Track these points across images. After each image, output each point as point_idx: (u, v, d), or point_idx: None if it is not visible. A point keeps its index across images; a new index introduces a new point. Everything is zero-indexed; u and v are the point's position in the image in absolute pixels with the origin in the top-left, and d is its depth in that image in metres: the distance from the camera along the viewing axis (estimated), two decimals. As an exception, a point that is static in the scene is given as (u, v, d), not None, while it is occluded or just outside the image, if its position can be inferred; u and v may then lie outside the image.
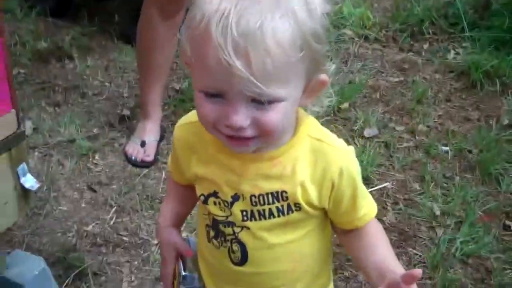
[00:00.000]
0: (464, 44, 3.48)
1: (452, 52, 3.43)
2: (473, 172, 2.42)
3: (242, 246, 1.01)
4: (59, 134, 2.50)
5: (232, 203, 0.98)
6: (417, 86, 2.98)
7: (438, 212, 2.17)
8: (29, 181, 1.49)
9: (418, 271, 0.86)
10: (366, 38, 3.55)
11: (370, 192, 2.14)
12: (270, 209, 0.97)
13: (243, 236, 1.00)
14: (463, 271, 1.93)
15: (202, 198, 1.02)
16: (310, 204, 0.98)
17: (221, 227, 1.01)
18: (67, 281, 1.77)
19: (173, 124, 2.50)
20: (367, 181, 2.30)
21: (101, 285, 1.79)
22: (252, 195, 0.96)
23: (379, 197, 2.26)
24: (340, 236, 1.07)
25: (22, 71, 2.97)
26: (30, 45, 3.20)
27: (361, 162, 2.28)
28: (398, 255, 1.96)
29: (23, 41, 3.24)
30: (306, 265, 1.06)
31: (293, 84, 0.88)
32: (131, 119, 2.62)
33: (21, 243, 1.92)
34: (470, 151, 2.54)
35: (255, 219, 0.98)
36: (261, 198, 0.96)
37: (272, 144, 0.95)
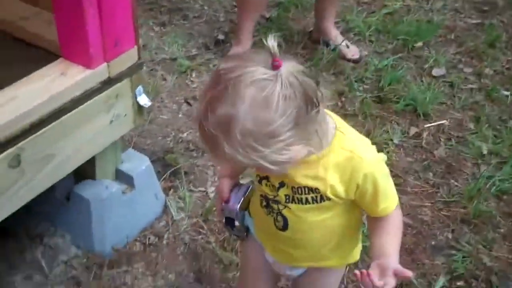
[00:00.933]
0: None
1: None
2: (527, 117, 2.64)
3: (285, 219, 1.27)
4: (164, 51, 2.91)
5: (278, 188, 1.24)
6: (492, 30, 3.14)
7: (485, 151, 2.44)
8: (143, 100, 1.89)
9: (408, 274, 1.14)
10: (454, -24, 3.66)
11: (428, 127, 2.45)
12: (306, 198, 1.21)
13: (286, 212, 1.25)
14: (496, 205, 2.23)
15: (257, 178, 1.28)
16: (339, 197, 1.20)
17: (270, 202, 1.29)
18: (164, 176, 2.22)
19: (261, 50, 2.86)
20: (425, 117, 2.59)
21: (190, 182, 2.23)
22: (293, 186, 1.22)
23: (435, 132, 2.54)
24: (366, 215, 1.32)
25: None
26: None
27: (424, 99, 2.58)
28: (440, 185, 2.29)
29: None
30: (337, 235, 1.31)
31: None
32: (225, 42, 2.97)
33: (130, 142, 2.38)
34: (530, 98, 2.74)
35: (295, 203, 1.23)
36: (299, 189, 1.22)
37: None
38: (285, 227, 1.29)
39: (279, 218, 1.29)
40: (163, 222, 2.09)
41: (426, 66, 2.89)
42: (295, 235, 1.30)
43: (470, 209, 2.18)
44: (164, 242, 2.02)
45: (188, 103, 2.61)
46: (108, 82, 1.75)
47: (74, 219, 1.97)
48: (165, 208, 2.13)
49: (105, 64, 1.72)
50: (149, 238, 2.03)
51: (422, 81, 2.79)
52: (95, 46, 1.67)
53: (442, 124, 2.58)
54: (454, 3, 3.41)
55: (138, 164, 2.03)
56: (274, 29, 3.06)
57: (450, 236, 2.10)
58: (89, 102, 1.71)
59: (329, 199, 1.20)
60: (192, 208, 2.13)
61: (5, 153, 1.52)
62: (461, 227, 2.13)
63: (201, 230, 2.06)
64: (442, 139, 2.51)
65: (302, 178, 1.19)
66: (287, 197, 1.23)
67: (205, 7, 3.28)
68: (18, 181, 1.58)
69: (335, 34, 2.95)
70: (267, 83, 0.99)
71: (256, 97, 0.99)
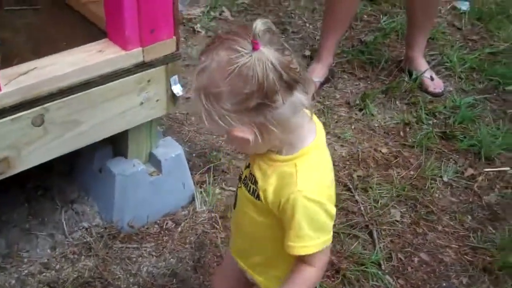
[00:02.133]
0: None
1: None
2: None
3: (236, 197, 1.37)
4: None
5: (246, 167, 1.30)
6: None
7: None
8: (177, 89, 2.03)
9: None
10: None
11: (487, 171, 2.34)
12: (250, 187, 1.26)
13: (239, 191, 1.33)
14: (530, 262, 2.05)
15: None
16: (266, 202, 1.21)
17: (239, 176, 1.36)
18: (200, 170, 2.34)
19: (344, 72, 2.89)
20: (488, 161, 2.45)
21: (224, 180, 2.32)
22: (251, 171, 1.27)
23: (494, 178, 2.40)
24: None
25: (245, 1, 3.53)
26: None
27: (491, 142, 2.44)
28: (475, 230, 2.16)
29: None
30: (262, 245, 1.32)
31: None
32: (310, 58, 3.03)
33: (186, 136, 2.53)
34: None
35: (245, 186, 1.28)
36: (251, 175, 1.25)
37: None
38: (235, 205, 1.38)
39: (236, 193, 1.37)
40: (186, 212, 2.21)
41: (510, 111, 2.72)
42: (237, 217, 1.38)
43: (497, 259, 2.03)
44: (179, 229, 2.14)
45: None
46: (141, 66, 1.91)
47: (102, 191, 2.15)
48: (192, 199, 2.24)
49: (140, 48, 1.88)
50: (167, 223, 2.16)
51: (499, 124, 2.63)
52: (131, 30, 1.84)
53: (503, 171, 2.42)
54: None
55: (169, 151, 2.17)
56: (365, 52, 3.06)
57: (464, 281, 1.98)
58: (119, 80, 1.87)
59: (260, 199, 1.23)
60: (216, 204, 2.22)
61: (30, 111, 1.74)
62: (480, 276, 1.99)
63: (215, 225, 2.15)
64: (497, 186, 2.36)
65: (257, 166, 1.24)
66: (245, 178, 1.30)
67: (307, 24, 3.37)
68: (41, 138, 1.79)
69: (421, 64, 2.89)
70: (238, 55, 1.06)
71: (222, 60, 1.08)
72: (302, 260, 1.24)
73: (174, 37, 1.97)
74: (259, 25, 1.06)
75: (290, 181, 1.18)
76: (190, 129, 2.57)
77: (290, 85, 1.10)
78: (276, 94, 1.09)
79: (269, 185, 1.21)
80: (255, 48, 1.06)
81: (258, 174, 1.23)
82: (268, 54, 1.06)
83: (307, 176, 1.19)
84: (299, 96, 1.12)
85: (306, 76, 1.15)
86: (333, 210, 1.22)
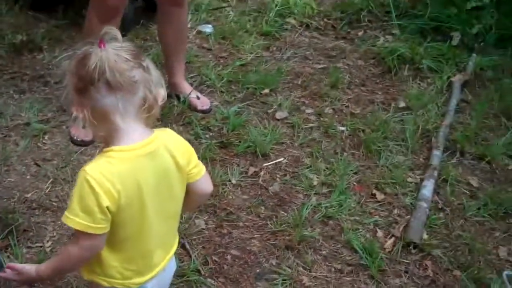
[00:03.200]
0: (393, 32, 3.86)
1: (382, 39, 3.82)
2: (359, 148, 2.86)
3: None
4: (20, 118, 3.00)
5: None
6: (336, 72, 3.40)
7: (315, 183, 2.62)
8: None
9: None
10: (308, 27, 3.96)
11: (266, 166, 2.62)
12: None
13: None
14: (320, 230, 2.39)
15: None
16: None
17: None
18: (1, 236, 2.28)
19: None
20: (265, 157, 2.76)
21: (28, 239, 2.30)
22: None
23: (273, 170, 2.72)
24: None
25: (-3, 62, 3.47)
26: (8, 38, 3.67)
27: (263, 140, 2.76)
28: (269, 217, 2.45)
29: (2, 34, 3.71)
30: None
31: None
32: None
33: (-27, 207, 2.44)
34: (363, 131, 2.97)
35: None
36: None
37: None
38: None
39: None
40: (-2, 281, 2.14)
41: (270, 110, 3.09)
42: None
43: (294, 236, 2.33)
44: (-3, 301, 2.07)
45: (37, 165, 2.70)
46: None
47: None
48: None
49: None
50: (-20, 297, 2.08)
51: (265, 124, 2.98)
52: None
53: (279, 162, 2.76)
54: (305, 51, 3.68)
55: (-36, 224, 2.10)
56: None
57: (274, 262, 2.24)
58: None
59: None
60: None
61: None
62: (285, 253, 2.27)
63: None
64: (278, 176, 2.68)
65: None
66: None
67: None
68: None
69: (185, 87, 3.13)
70: (87, 47, 1.37)
71: (80, 51, 1.38)
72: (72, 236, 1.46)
73: None
74: (107, 30, 1.37)
75: None
76: (-24, 198, 2.49)
77: (110, 85, 1.33)
78: (97, 83, 1.33)
79: None
80: (99, 45, 1.34)
81: None
82: (108, 54, 1.34)
83: (98, 164, 1.38)
84: (121, 100, 1.35)
85: (133, 89, 1.36)
86: (106, 207, 1.34)
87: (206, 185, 1.58)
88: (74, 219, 1.36)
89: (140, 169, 1.40)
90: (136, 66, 1.37)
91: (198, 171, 1.53)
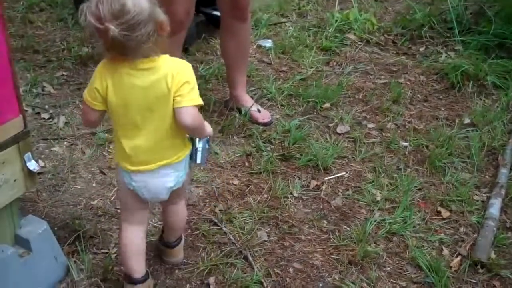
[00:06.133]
0: (456, 48, 3.80)
1: (444, 55, 3.77)
2: (423, 165, 2.81)
3: None
4: (85, 127, 3.08)
5: None
6: (398, 88, 3.36)
7: (378, 198, 2.58)
8: (32, 165, 2.04)
9: None
10: (368, 42, 3.95)
11: (328, 179, 2.61)
12: None
13: None
14: (384, 246, 2.35)
15: None
16: None
17: None
18: (68, 241, 2.34)
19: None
20: (326, 171, 2.75)
21: (94, 245, 2.34)
22: None
23: (334, 184, 2.69)
24: None
25: (64, 73, 3.57)
26: (74, 51, 3.79)
27: (325, 154, 2.75)
28: (332, 231, 2.42)
29: (69, 47, 3.84)
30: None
31: None
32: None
33: (42, 212, 2.51)
34: (427, 146, 2.92)
35: None
36: None
37: None
38: None
39: None
40: (64, 285, 2.19)
41: (332, 124, 3.08)
42: None
43: (357, 251, 2.30)
44: (62, 302, 2.12)
45: (103, 173, 2.76)
46: (-7, 149, 1.91)
47: (-28, 284, 2.07)
48: (68, 271, 2.23)
49: (-12, 132, 1.88)
50: (48, 300, 2.12)
51: (326, 138, 2.97)
52: (-22, 116, 1.84)
53: (341, 176, 2.74)
54: (365, 66, 3.66)
55: (35, 228, 2.14)
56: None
57: (337, 277, 2.21)
58: (-26, 168, 1.86)
59: None
60: (92, 269, 2.23)
61: None
62: (349, 269, 2.24)
63: (98, 288, 2.16)
64: (340, 190, 2.66)
65: None
66: None
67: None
68: None
69: (246, 100, 3.15)
70: None
71: None
72: None
73: (20, 115, 1.99)
74: None
75: None
76: (44, 204, 2.55)
77: None
78: None
79: None
80: None
81: None
82: None
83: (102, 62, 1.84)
84: None
85: None
86: (95, 87, 1.79)
87: (181, 116, 1.76)
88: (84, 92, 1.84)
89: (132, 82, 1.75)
90: None
91: (179, 101, 1.75)
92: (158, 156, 1.85)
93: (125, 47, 1.67)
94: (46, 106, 3.21)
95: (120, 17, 1.61)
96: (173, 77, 1.73)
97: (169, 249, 2.22)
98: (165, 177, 1.90)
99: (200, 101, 1.78)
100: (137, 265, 2.02)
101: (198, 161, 1.97)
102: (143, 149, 1.83)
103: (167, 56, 1.78)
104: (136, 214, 2.01)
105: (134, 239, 2.02)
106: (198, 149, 1.95)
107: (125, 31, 1.62)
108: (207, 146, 1.97)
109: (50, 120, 3.11)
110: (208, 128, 1.95)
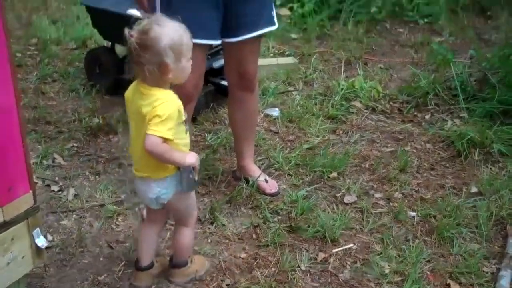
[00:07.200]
0: (461, 115, 3.84)
1: (450, 122, 3.80)
2: (431, 235, 2.79)
3: None
4: (94, 199, 3.11)
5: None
6: (404, 156, 3.38)
7: (387, 271, 2.56)
8: (41, 241, 2.06)
9: None
10: (373, 110, 3.99)
11: (336, 252, 2.60)
12: None
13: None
14: (393, 321, 2.32)
15: None
16: None
17: None
18: (75, 318, 2.33)
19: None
20: (334, 242, 2.74)
21: (100, 321, 2.34)
22: None
23: (342, 256, 2.68)
24: None
25: (75, 144, 3.63)
26: (85, 121, 3.86)
27: (332, 225, 2.75)
28: (340, 306, 2.40)
29: (80, 118, 3.91)
30: None
31: None
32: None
33: (49, 288, 2.51)
34: (434, 217, 2.92)
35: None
36: None
37: None
38: None
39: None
40: None
41: (339, 194, 3.09)
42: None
43: (366, 328, 2.27)
44: None
45: (110, 246, 2.77)
46: (3, 226, 1.93)
47: None
48: None
49: (-1, 208, 1.91)
50: None
51: (334, 208, 2.97)
52: (-12, 193, 1.88)
53: (349, 248, 2.73)
54: (372, 134, 3.69)
55: (41, 306, 2.15)
56: (201, 170, 3.28)
57: None
58: (-18, 247, 1.88)
59: None
60: None
61: None
62: None
63: None
64: (348, 263, 2.64)
65: None
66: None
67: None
68: None
69: (254, 170, 3.18)
70: None
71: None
72: None
73: (31, 191, 2.03)
74: None
75: None
76: (52, 280, 2.54)
77: None
78: None
79: None
80: None
81: None
82: None
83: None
84: None
85: None
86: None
87: (144, 141, 2.04)
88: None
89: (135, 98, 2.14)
90: None
91: (147, 128, 2.03)
92: (141, 168, 2.21)
93: (137, 64, 2.05)
94: (56, 178, 3.25)
95: (144, 34, 2.01)
96: (153, 108, 2.04)
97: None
98: (147, 187, 2.22)
99: (164, 135, 2.04)
100: (144, 256, 2.45)
101: (181, 188, 2.19)
102: (134, 156, 2.26)
103: (166, 90, 2.12)
104: (150, 213, 2.44)
105: (147, 235, 2.43)
106: (182, 176, 2.15)
107: (139, 45, 2.00)
108: (190, 176, 2.16)
109: (60, 192, 3.14)
110: (187, 159, 2.15)
